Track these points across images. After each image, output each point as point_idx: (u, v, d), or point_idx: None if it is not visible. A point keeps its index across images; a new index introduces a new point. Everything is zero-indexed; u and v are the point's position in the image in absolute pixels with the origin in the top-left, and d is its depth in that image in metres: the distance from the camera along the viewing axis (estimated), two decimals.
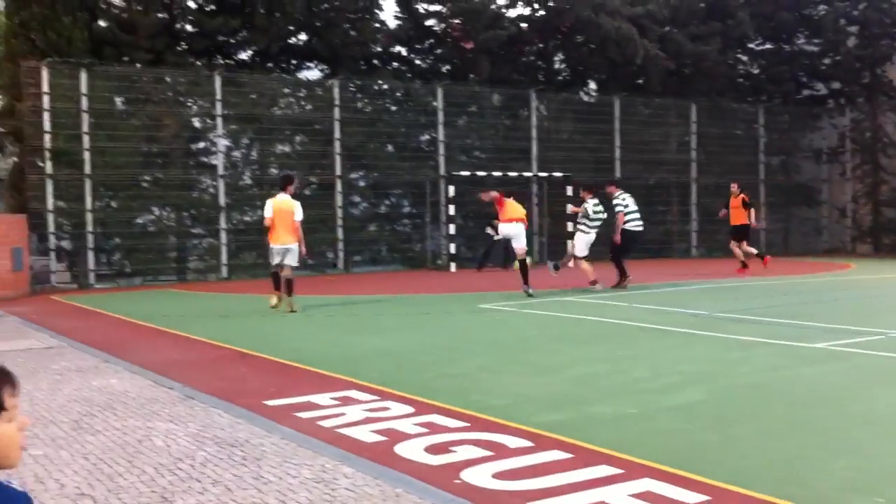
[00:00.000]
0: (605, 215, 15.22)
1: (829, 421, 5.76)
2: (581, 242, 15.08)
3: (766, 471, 4.61)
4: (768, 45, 28.38)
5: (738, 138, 26.43)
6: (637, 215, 15.64)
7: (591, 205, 14.98)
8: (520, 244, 13.91)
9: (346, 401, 6.40)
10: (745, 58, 28.54)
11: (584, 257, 15.03)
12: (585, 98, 26.18)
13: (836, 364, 7.85)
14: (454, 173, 21.02)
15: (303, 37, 22.82)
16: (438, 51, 25.30)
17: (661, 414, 5.96)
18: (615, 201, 15.56)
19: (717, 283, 16.32)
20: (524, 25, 25.09)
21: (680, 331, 9.88)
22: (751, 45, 28.20)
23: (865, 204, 27.23)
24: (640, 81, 25.84)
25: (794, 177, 27.60)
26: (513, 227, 13.83)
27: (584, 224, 15.08)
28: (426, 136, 22.54)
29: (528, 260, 14.14)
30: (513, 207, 13.92)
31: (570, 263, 15.71)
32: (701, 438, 5.35)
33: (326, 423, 5.75)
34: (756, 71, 28.61)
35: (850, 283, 16.65)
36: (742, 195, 17.85)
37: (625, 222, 15.36)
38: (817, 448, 5.10)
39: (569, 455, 4.92)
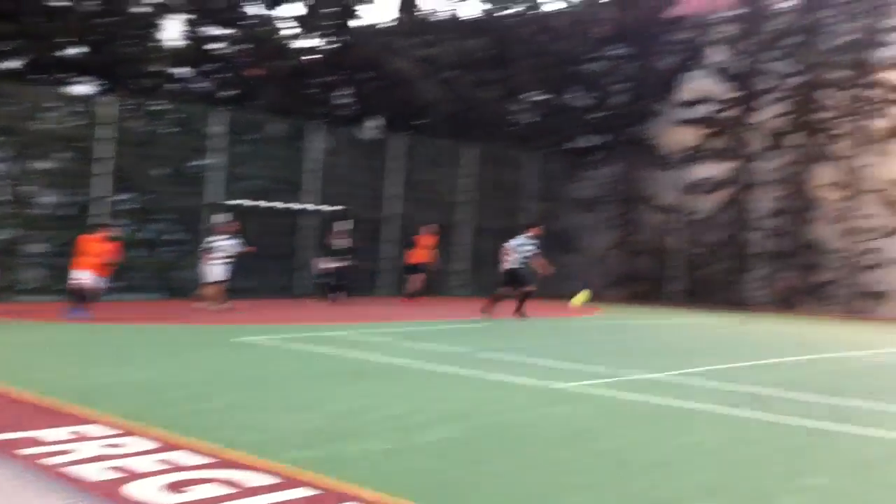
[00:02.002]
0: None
1: (576, 459, 5.95)
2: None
3: None
4: (544, 96, 29.78)
5: (509, 184, 27.44)
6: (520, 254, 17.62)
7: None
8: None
9: (81, 436, 5.95)
10: (521, 106, 29.79)
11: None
12: (368, 134, 26.38)
13: (587, 403, 8.18)
14: (228, 202, 20.49)
15: (79, 50, 21.64)
16: (222, 75, 24.74)
17: (415, 451, 5.96)
18: (521, 241, 17.71)
19: (482, 322, 16.76)
20: (311, 57, 25.03)
21: (440, 369, 10.00)
22: (528, 96, 29.48)
23: (619, 253, 28.97)
24: (424, 122, 26.37)
25: (556, 224, 28.99)
26: None
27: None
28: (202, 162, 21.86)
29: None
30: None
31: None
32: (452, 475, 5.37)
33: (51, 461, 5.30)
34: (531, 120, 29.92)
35: (600, 326, 17.57)
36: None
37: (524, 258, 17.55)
38: (564, 486, 5.24)
39: (317, 492, 4.80)
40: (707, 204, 27.67)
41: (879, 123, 24.93)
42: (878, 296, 24.69)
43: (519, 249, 17.57)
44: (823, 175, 25.64)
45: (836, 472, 5.83)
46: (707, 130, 27.73)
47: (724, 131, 27.53)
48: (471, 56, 26.30)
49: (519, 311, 17.47)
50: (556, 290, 23.72)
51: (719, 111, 27.41)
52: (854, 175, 25.02)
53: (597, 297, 26.62)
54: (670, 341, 15.29)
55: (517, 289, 17.62)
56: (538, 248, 17.79)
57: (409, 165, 24.78)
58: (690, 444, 6.56)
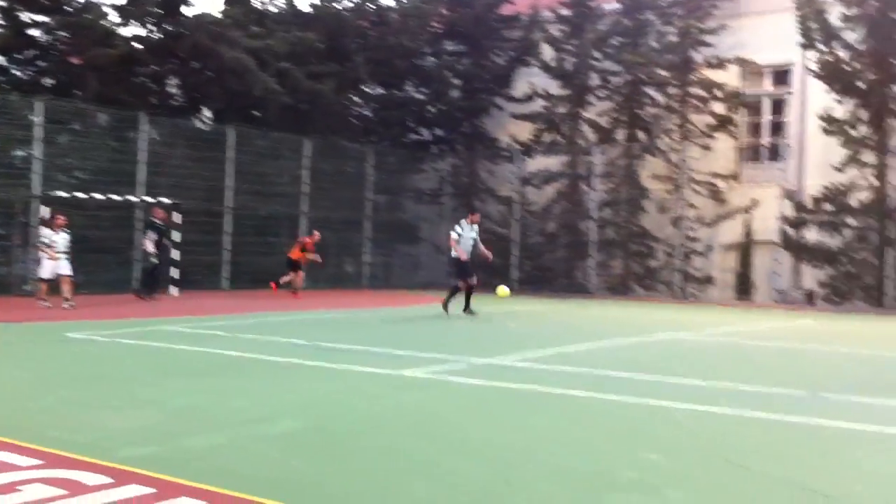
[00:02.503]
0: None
1: (425, 447, 5.91)
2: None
3: (355, 497, 4.59)
4: (381, 90, 29.79)
5: (348, 176, 27.30)
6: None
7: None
8: None
9: None
10: (359, 100, 29.67)
11: None
12: (199, 125, 25.61)
13: (435, 390, 8.18)
14: (50, 193, 19.44)
15: None
16: (42, 63, 23.43)
17: (257, 444, 5.77)
18: (465, 229, 16.76)
19: (320, 313, 16.58)
20: (138, 46, 24.04)
21: (285, 360, 9.80)
22: (365, 89, 29.40)
23: None
24: (258, 114, 25.83)
25: (398, 215, 29.07)
26: None
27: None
28: (21, 153, 20.64)
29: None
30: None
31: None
32: (298, 467, 5.23)
33: None
34: (369, 113, 29.87)
35: (438, 315, 17.70)
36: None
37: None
38: (411, 472, 5.18)
39: (151, 490, 4.55)
40: (544, 195, 28.39)
41: (702, 119, 26.23)
42: (704, 281, 25.99)
43: (464, 238, 16.67)
44: (651, 167, 26.77)
45: (672, 447, 6.03)
46: (541, 125, 28.45)
47: (557, 126, 28.32)
48: (305, 47, 25.95)
49: (447, 306, 16.72)
50: (400, 281, 23.86)
51: (552, 106, 28.17)
52: (679, 167, 26.23)
53: (439, 287, 26.87)
54: (514, 328, 15.56)
55: (465, 280, 16.71)
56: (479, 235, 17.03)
57: (245, 157, 24.25)
58: (535, 427, 6.64)
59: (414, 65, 29.42)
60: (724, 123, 26.04)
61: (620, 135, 27.53)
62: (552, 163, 28.16)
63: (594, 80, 27.73)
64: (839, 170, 23.61)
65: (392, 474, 5.10)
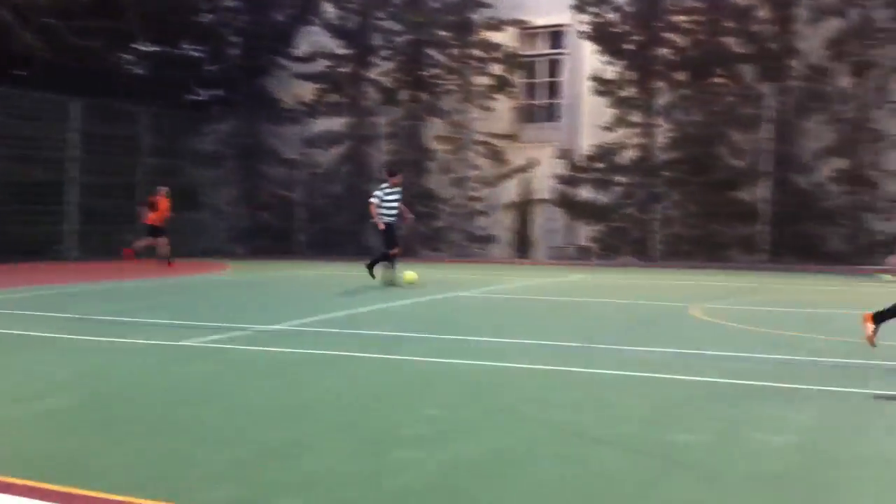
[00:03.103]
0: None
1: (210, 415, 5.76)
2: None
3: (133, 471, 4.40)
4: (156, 48, 28.41)
5: (122, 139, 25.96)
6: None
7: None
8: None
9: None
10: (132, 58, 28.19)
11: None
12: None
13: (215, 359, 7.98)
14: None
15: None
16: None
17: (23, 424, 5.43)
18: (387, 192, 15.60)
19: (96, 284, 15.79)
20: None
21: (53, 336, 9.25)
22: (139, 46, 27.95)
23: (243, 207, 28.71)
24: (22, 73, 24.02)
25: (177, 179, 28.01)
26: None
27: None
28: None
29: None
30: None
31: None
32: (67, 445, 4.96)
33: None
34: (144, 72, 28.45)
35: (225, 282, 17.31)
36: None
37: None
38: (198, 442, 5.04)
39: None
40: (329, 157, 28.20)
41: (482, 80, 26.82)
42: (487, 240, 26.76)
43: (386, 202, 15.63)
44: (434, 128, 27.14)
45: (454, 402, 6.18)
46: (324, 85, 28.17)
47: (341, 86, 28.14)
48: (71, 1, 24.32)
49: (372, 269, 15.84)
50: (184, 247, 23.02)
51: (335, 66, 27.93)
52: (461, 128, 26.75)
53: (223, 254, 26.23)
54: (300, 293, 15.43)
55: (391, 248, 15.78)
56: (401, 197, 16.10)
57: (6, 120, 22.50)
58: (321, 389, 6.63)
59: (190, 21, 28.27)
60: (502, 84, 26.75)
61: (404, 96, 27.71)
62: (337, 124, 27.98)
63: (377, 39, 27.69)
64: (609, 129, 24.85)
65: (177, 444, 4.95)
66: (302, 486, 4.25)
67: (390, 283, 15.56)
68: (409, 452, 4.80)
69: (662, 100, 24.64)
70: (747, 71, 24.02)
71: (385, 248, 15.92)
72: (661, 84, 24.74)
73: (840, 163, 22.86)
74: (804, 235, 22.94)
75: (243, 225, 28.57)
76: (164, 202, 21.24)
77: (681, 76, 24.71)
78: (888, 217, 22.09)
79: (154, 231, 21.02)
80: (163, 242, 20.98)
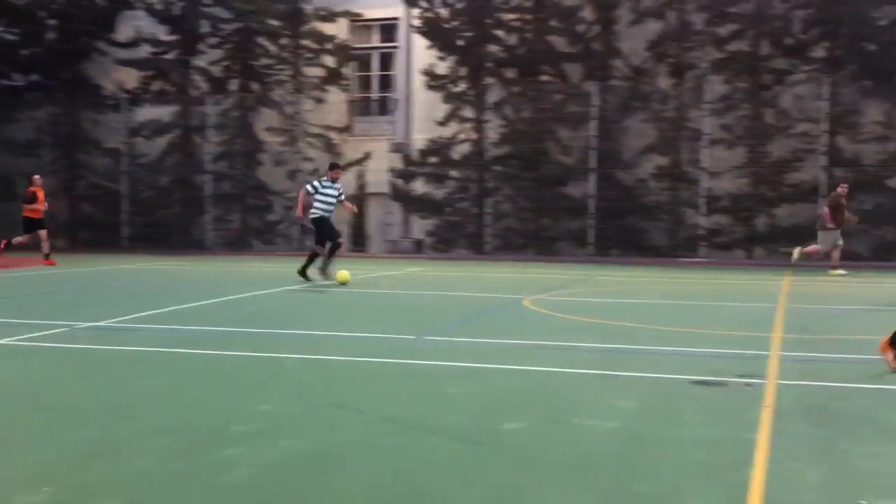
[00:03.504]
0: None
1: (25, 416, 5.47)
2: None
3: None
4: None
5: None
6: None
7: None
8: None
9: None
10: None
11: None
12: None
13: (34, 358, 7.56)
14: None
15: None
16: None
17: None
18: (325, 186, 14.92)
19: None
20: None
21: None
22: None
23: (63, 199, 27.30)
24: None
25: None
26: None
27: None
28: None
29: None
30: None
31: None
32: None
33: None
34: None
35: (49, 277, 16.44)
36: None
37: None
38: (9, 444, 4.77)
39: None
40: (155, 147, 27.23)
41: (314, 71, 26.54)
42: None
43: (321, 195, 14.88)
44: (266, 119, 26.66)
45: (285, 397, 6.08)
46: (149, 72, 27.19)
47: (167, 74, 27.23)
48: None
49: (304, 274, 14.86)
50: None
51: (160, 53, 26.99)
52: (293, 120, 26.38)
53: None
54: (125, 288, 14.79)
55: (323, 242, 15.00)
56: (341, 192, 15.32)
57: None
58: (145, 387, 6.37)
59: (2, 1, 26.62)
60: (334, 76, 26.55)
61: (234, 85, 27.07)
62: (163, 113, 27.03)
63: (205, 26, 26.90)
64: (442, 124, 25.11)
65: None
66: (122, 486, 4.07)
67: (326, 275, 14.80)
68: (238, 449, 4.69)
69: (493, 96, 25.09)
70: (573, 70, 24.79)
71: (318, 242, 15.18)
72: (491, 80, 25.20)
73: (660, 160, 23.95)
74: (628, 229, 23.91)
75: (63, 217, 27.17)
76: (41, 192, 19.64)
77: (510, 73, 25.25)
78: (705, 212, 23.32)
79: (31, 224, 19.26)
80: (44, 235, 19.38)
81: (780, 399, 5.98)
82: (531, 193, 24.63)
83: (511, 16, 24.97)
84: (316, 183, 15.12)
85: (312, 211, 14.93)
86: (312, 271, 14.92)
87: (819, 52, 23.08)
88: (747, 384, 6.49)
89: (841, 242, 18.41)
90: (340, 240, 15.50)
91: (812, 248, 18.40)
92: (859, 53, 22.71)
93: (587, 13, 24.42)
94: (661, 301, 13.09)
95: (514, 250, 24.58)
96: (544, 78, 24.99)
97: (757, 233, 23.26)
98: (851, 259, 21.77)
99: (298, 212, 15.24)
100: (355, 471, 4.35)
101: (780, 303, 12.42)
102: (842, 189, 18.43)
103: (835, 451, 4.79)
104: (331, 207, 15.02)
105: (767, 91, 23.28)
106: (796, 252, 18.39)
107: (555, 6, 24.60)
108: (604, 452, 4.73)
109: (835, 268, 18.26)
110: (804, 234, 22.65)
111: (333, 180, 15.10)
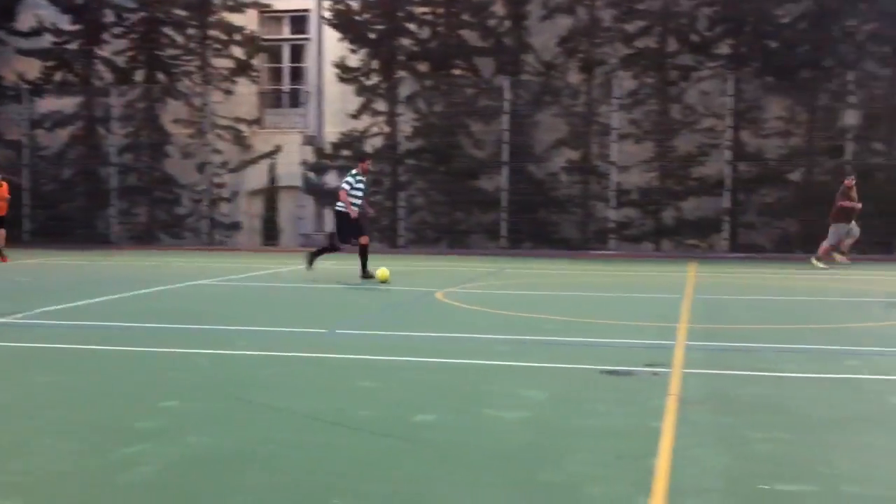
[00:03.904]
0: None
1: None
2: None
3: None
4: None
5: None
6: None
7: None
8: None
9: None
10: None
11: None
12: None
13: None
14: None
15: None
16: None
17: None
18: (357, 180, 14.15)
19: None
20: None
21: None
22: None
23: None
24: None
25: None
26: None
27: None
28: None
29: None
30: None
31: None
32: None
33: None
34: None
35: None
36: None
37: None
38: None
39: None
40: (58, 139, 26.42)
41: (223, 63, 26.07)
42: (232, 227, 26.10)
43: (356, 190, 14.07)
44: (173, 111, 26.09)
45: (191, 392, 5.96)
46: (51, 62, 26.36)
47: (70, 64, 26.43)
48: None
49: (365, 272, 14.12)
50: None
51: (62, 43, 26.18)
52: (201, 112, 25.88)
53: None
54: (27, 283, 14.30)
55: (354, 240, 14.25)
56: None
57: None
58: (45, 385, 6.18)
59: None
60: (244, 68, 26.12)
61: (140, 76, 26.41)
62: (66, 104, 26.20)
63: (109, 16, 26.17)
64: (355, 117, 24.94)
65: None
66: (21, 486, 3.93)
67: (368, 276, 14.01)
68: (142, 446, 4.58)
69: (406, 89, 25.04)
70: (485, 64, 24.89)
71: (340, 238, 14.55)
72: (404, 74, 25.13)
73: (571, 154, 24.24)
74: (539, 222, 24.14)
75: None
76: (3, 189, 18.77)
77: (423, 67, 25.22)
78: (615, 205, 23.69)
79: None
80: (2, 234, 18.66)
81: (685, 387, 6.11)
82: (444, 187, 24.66)
83: (423, 9, 24.93)
84: (350, 179, 14.11)
85: (341, 207, 14.07)
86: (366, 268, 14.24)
87: (724, 48, 23.63)
88: (654, 373, 6.61)
89: (857, 233, 18.10)
90: (365, 240, 14.21)
91: (823, 247, 18.18)
92: (762, 50, 23.33)
93: (498, 8, 24.53)
94: (571, 293, 13.26)
95: (427, 244, 24.59)
96: (457, 72, 25.04)
97: (664, 225, 23.73)
98: (754, 251, 22.45)
99: (352, 213, 13.94)
100: (264, 467, 4.28)
101: (686, 293, 12.71)
102: (848, 182, 18.37)
103: (737, 437, 4.91)
104: (360, 201, 14.24)
105: (674, 87, 23.74)
106: (816, 261, 18.03)
107: (466, 0, 24.66)
108: (514, 443, 4.75)
109: (841, 254, 18.05)
110: (709, 226, 23.29)
111: (364, 172, 14.35)
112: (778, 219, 22.85)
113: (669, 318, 9.79)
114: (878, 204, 21.03)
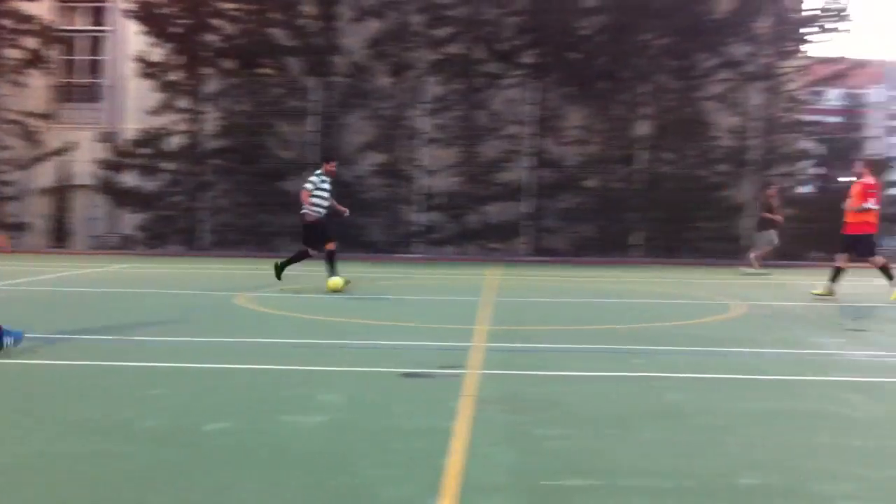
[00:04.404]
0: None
1: None
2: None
3: None
4: None
5: None
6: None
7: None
8: None
9: None
10: None
11: None
12: None
13: None
14: None
15: None
16: None
17: None
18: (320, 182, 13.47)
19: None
20: None
21: None
22: None
23: None
24: None
25: None
26: None
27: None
28: None
29: None
30: None
31: None
32: None
33: None
34: None
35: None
36: None
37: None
38: None
39: None
40: None
41: (13, 54, 24.54)
42: (18, 227, 24.57)
43: (319, 192, 13.27)
44: None
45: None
46: None
47: None
48: None
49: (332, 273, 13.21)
50: None
51: None
52: None
53: None
54: None
55: (321, 246, 13.39)
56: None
57: None
58: None
59: None
60: (36, 59, 24.68)
61: None
62: None
63: None
64: (156, 114, 24.04)
65: None
66: None
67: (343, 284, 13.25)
68: None
69: (210, 87, 24.38)
70: (294, 64, 24.61)
71: (306, 244, 13.76)
72: (209, 70, 24.47)
73: (379, 157, 24.34)
74: (346, 225, 23.97)
75: None
76: None
77: (229, 64, 24.64)
78: (420, 209, 23.98)
79: None
80: None
81: (480, 388, 6.23)
82: (249, 188, 24.19)
83: (230, 5, 24.37)
84: (315, 178, 13.46)
85: (306, 210, 13.36)
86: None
87: (528, 58, 24.43)
88: (451, 375, 6.70)
89: (776, 242, 18.64)
90: (332, 246, 13.56)
91: (753, 254, 18.70)
92: (564, 61, 24.26)
93: (308, 7, 24.33)
94: (374, 296, 13.27)
95: (231, 246, 24.03)
96: (264, 71, 24.63)
97: (468, 229, 24.24)
98: (553, 254, 23.32)
99: (311, 215, 13.37)
100: (37, 482, 4.02)
101: (485, 296, 13.00)
102: (771, 193, 19.02)
103: (527, 435, 5.04)
104: (327, 206, 13.58)
105: (480, 93, 24.32)
106: (749, 269, 18.31)
107: None
108: (308, 448, 4.69)
109: (756, 260, 18.44)
110: (511, 230, 23.98)
111: (329, 174, 13.64)
112: (575, 223, 23.83)
113: (468, 320, 9.97)
114: (667, 210, 22.31)
